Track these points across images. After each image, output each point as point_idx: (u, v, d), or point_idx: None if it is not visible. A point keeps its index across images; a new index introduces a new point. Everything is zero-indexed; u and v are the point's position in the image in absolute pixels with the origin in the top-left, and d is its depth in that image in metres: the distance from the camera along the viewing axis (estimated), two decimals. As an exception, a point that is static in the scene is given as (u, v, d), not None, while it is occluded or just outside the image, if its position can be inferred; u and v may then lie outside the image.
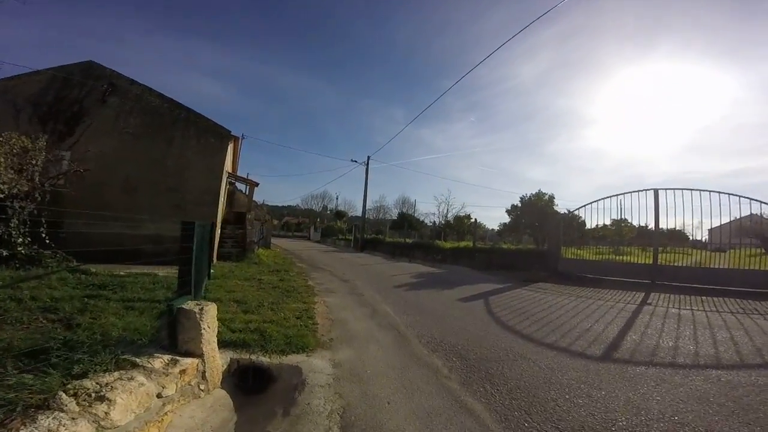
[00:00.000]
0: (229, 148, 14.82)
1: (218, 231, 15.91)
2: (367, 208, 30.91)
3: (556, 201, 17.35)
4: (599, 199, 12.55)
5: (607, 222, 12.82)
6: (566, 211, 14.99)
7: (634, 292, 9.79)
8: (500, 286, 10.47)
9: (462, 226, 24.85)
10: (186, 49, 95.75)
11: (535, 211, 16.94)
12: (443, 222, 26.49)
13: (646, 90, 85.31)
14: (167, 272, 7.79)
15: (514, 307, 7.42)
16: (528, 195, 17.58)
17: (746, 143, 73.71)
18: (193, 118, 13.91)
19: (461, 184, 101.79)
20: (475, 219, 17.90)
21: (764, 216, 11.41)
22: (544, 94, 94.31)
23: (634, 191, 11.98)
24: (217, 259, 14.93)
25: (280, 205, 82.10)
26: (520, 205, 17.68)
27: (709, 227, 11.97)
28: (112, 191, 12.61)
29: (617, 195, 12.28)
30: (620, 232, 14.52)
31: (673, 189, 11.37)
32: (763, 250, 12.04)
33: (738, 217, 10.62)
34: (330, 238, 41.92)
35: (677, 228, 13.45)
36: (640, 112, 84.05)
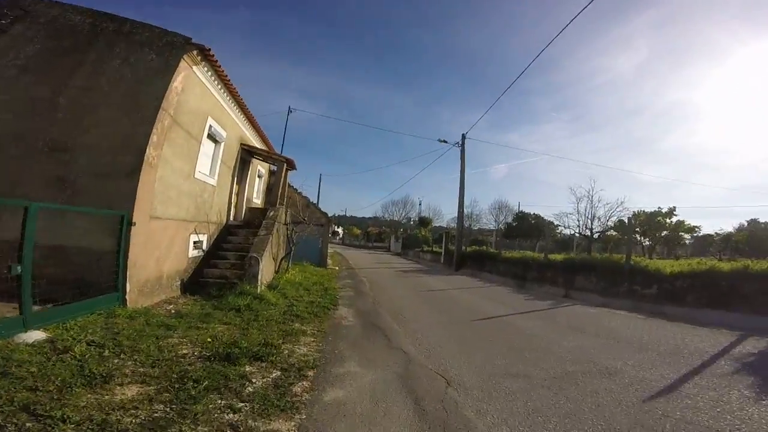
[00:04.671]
0: (192, 72, 7.28)
1: (199, 237, 8.51)
2: (455, 215, 21.50)
3: None
4: None
5: None
6: None
7: None
8: None
9: (656, 228, 13.46)
10: (279, 70, 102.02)
11: None
12: (603, 227, 15.54)
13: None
14: None
15: None
16: None
17: None
18: (128, 29, 6.81)
19: (548, 187, 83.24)
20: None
21: None
22: (648, 86, 78.29)
23: None
24: (184, 290, 7.43)
25: (367, 216, 77.16)
26: None
27: None
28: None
29: None
30: None
31: None
32: None
33: None
34: (412, 249, 33.27)
35: None
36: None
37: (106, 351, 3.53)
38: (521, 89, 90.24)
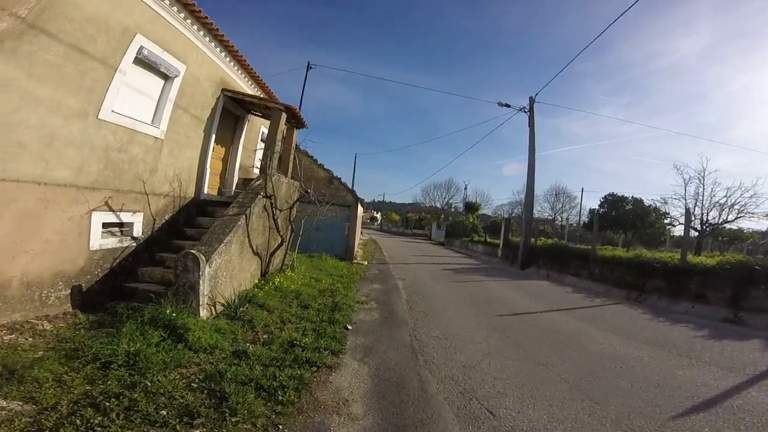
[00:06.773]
0: None
1: (122, 217, 5.20)
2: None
3: None
4: None
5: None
6: None
7: None
8: None
9: None
10: (315, 59, 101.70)
11: None
12: (722, 218, 10.36)
13: None
14: None
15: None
16: None
17: None
18: None
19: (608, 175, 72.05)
20: None
21: None
22: (716, 70, 66.24)
23: None
24: (80, 305, 4.12)
25: (407, 202, 74.03)
26: None
27: None
28: None
29: None
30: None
31: None
32: None
33: None
34: (458, 239, 28.90)
35: None
36: None
37: None
38: (573, 72, 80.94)
